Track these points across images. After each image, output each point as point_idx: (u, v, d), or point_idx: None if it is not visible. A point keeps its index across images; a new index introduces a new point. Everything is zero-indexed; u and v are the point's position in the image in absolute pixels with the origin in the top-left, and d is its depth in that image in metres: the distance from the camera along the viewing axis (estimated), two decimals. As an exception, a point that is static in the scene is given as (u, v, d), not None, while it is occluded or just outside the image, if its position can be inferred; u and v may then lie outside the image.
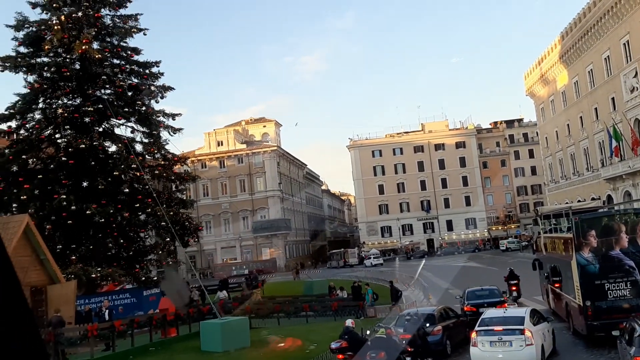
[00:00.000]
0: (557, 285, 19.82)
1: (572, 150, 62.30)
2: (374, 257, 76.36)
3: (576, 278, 16.30)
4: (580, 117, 59.00)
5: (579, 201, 49.69)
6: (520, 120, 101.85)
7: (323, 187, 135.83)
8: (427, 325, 16.16)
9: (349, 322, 14.81)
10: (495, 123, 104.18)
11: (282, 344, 18.65)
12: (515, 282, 27.01)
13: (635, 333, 11.52)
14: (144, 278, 30.46)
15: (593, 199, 48.10)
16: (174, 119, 33.32)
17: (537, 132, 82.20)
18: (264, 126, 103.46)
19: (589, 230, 16.15)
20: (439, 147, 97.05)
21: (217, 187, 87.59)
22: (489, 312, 15.80)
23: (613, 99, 50.90)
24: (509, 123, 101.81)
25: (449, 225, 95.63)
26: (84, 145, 28.71)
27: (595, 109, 54.94)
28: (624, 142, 47.37)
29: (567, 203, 52.09)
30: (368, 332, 14.32)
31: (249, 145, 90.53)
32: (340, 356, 13.60)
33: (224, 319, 21.41)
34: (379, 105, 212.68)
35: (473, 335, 14.34)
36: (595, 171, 55.47)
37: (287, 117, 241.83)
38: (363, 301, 27.13)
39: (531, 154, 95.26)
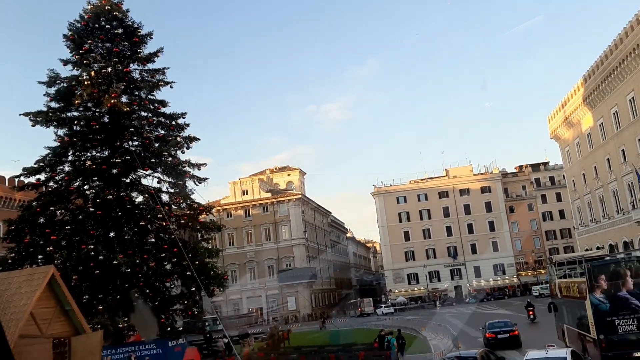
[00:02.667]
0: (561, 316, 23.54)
1: (601, 193, 61.19)
2: (384, 306, 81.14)
3: (590, 316, 18.89)
4: (608, 159, 58.18)
5: (586, 250, 54.76)
6: (546, 164, 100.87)
7: (348, 235, 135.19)
8: None
9: None
10: (521, 167, 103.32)
11: None
12: (531, 308, 39.94)
13: None
14: (169, 328, 30.28)
15: (598, 247, 52.83)
16: (199, 169, 33.78)
17: (563, 175, 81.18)
18: (288, 174, 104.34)
19: (599, 275, 18.95)
20: (463, 192, 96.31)
21: (242, 236, 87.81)
22: (533, 354, 16.26)
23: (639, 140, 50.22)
24: (535, 167, 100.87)
25: (477, 272, 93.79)
26: (111, 196, 29.18)
27: (622, 150, 54.17)
28: (654, 183, 46.42)
29: (586, 250, 55.23)
30: None
31: (273, 193, 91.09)
32: None
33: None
34: (403, 152, 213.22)
35: None
36: (626, 213, 54.23)
37: (310, 165, 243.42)
38: (390, 350, 26.46)
39: (559, 198, 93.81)
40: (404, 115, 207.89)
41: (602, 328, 18.39)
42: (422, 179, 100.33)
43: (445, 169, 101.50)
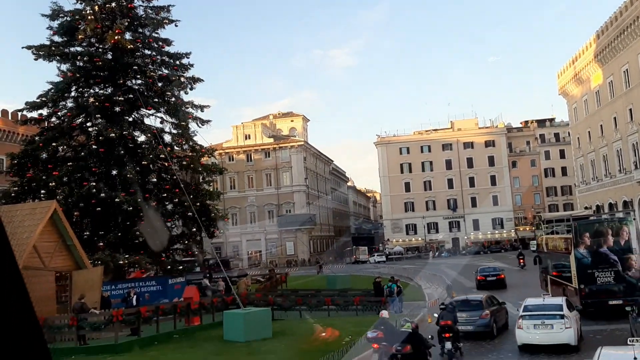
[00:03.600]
0: (555, 274, 25.33)
1: (605, 152, 60.96)
2: (377, 255, 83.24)
3: (573, 269, 21.64)
4: (614, 118, 57.67)
5: (585, 207, 59.36)
6: (552, 120, 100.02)
7: (349, 184, 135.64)
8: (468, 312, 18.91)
9: (385, 314, 15.63)
10: (526, 122, 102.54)
11: (324, 334, 18.62)
12: (522, 257, 45.58)
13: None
14: (169, 266, 30.82)
15: (586, 207, 57.81)
16: (202, 111, 33.59)
17: (569, 132, 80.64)
18: (292, 120, 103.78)
19: (584, 233, 21.72)
20: (467, 145, 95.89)
21: (243, 180, 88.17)
22: (531, 300, 17.98)
23: (649, 99, 49.61)
24: (541, 122, 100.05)
25: (475, 225, 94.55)
26: (114, 134, 29.12)
27: (630, 109, 53.62)
28: (659, 144, 46.15)
29: (585, 207, 59.27)
30: (401, 323, 14.78)
31: (276, 139, 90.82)
32: (376, 345, 14.01)
33: (247, 310, 21.53)
34: (408, 101, 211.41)
35: (519, 319, 16.64)
36: (628, 173, 54.19)
37: (314, 112, 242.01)
38: (385, 297, 26.95)
39: (562, 155, 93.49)
40: (412, 65, 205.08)
41: (583, 279, 21.13)
42: (426, 131, 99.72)
43: (451, 121, 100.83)
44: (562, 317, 16.07)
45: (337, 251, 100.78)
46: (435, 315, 15.71)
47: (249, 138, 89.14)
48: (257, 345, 18.04)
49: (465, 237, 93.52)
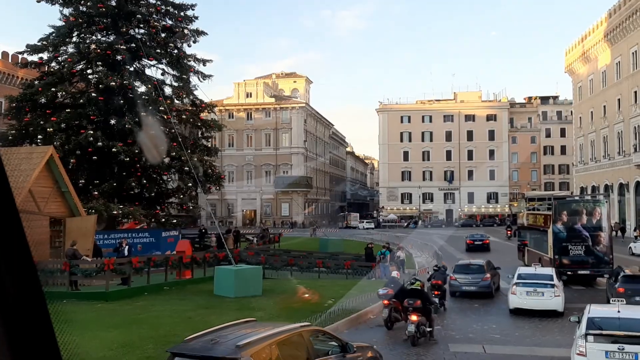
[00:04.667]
0: (525, 243, 30.19)
1: (606, 133, 60.77)
2: (366, 222, 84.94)
3: (550, 241, 24.63)
4: (618, 100, 57.30)
5: (581, 187, 63.37)
6: (555, 98, 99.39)
7: (348, 149, 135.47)
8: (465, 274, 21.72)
9: (395, 273, 18.02)
10: (530, 98, 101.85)
11: (306, 295, 18.82)
12: (509, 228, 46.89)
13: (619, 275, 18.80)
14: (164, 219, 30.96)
15: (581, 188, 63.60)
16: (204, 65, 33.29)
17: (571, 111, 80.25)
18: (294, 81, 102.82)
19: (562, 211, 24.87)
20: (469, 118, 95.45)
21: (242, 138, 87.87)
22: (523, 269, 20.25)
23: (655, 83, 49.20)
24: (544, 99, 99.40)
25: (470, 198, 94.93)
26: (114, 83, 28.88)
27: (635, 92, 53.23)
28: (660, 128, 45.99)
29: (581, 187, 59.14)
30: (408, 283, 16.07)
31: (277, 99, 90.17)
32: (386, 302, 15.50)
33: (238, 266, 21.71)
34: (413, 70, 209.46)
35: (512, 286, 18.33)
36: (627, 156, 54.15)
37: (318, 74, 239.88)
38: (376, 262, 27.23)
39: (562, 133, 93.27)
40: (419, 33, 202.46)
41: (558, 251, 24.19)
42: (429, 100, 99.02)
43: (454, 93, 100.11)
44: (553, 286, 17.77)
45: (332, 215, 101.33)
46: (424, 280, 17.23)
47: (250, 96, 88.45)
48: (246, 301, 18.25)
49: (459, 210, 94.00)
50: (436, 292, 17.34)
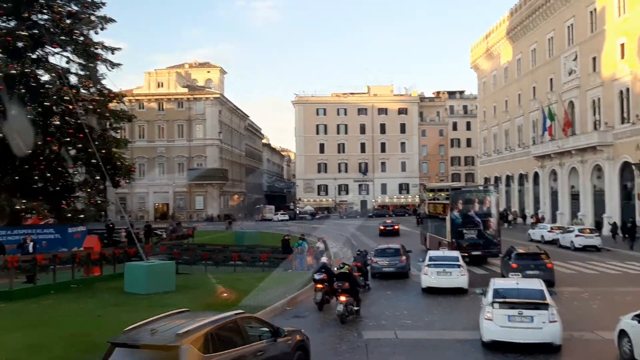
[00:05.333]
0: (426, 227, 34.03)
1: (507, 126, 64.38)
2: (280, 214, 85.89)
3: (448, 227, 27.87)
4: (519, 95, 60.82)
5: (485, 178, 68.78)
6: (462, 92, 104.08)
7: (264, 141, 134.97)
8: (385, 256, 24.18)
9: (325, 259, 20.13)
10: (438, 93, 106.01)
11: (225, 294, 18.56)
12: (419, 217, 44.38)
13: (512, 254, 21.80)
14: (69, 214, 29.55)
15: (485, 178, 68.38)
16: (113, 53, 31.85)
17: (476, 106, 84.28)
18: (208, 72, 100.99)
19: (458, 200, 28.18)
20: (382, 111, 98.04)
21: (153, 129, 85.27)
22: (433, 252, 22.41)
23: (552, 79, 52.61)
24: (451, 94, 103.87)
25: (383, 189, 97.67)
26: (15, 71, 27.18)
27: (534, 87, 56.71)
28: (556, 122, 49.30)
29: (485, 178, 56.79)
30: (335, 268, 17.53)
31: (190, 89, 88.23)
32: (320, 285, 17.18)
33: (150, 262, 21.18)
34: (328, 63, 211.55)
35: (424, 267, 20.35)
36: (526, 148, 57.65)
37: (233, 65, 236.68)
38: (292, 254, 27.40)
39: (468, 127, 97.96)
40: (334, 27, 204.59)
41: (455, 235, 27.36)
42: (343, 94, 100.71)
43: (367, 86, 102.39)
44: (459, 266, 20.21)
45: (248, 208, 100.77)
46: (336, 269, 17.90)
47: (162, 86, 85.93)
48: (159, 298, 17.84)
49: (373, 200, 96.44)
50: (357, 274, 18.56)
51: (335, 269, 17.32)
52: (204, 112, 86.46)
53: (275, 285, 18.48)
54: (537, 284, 13.46)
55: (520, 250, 22.20)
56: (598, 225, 41.37)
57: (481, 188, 32.31)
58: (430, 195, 35.48)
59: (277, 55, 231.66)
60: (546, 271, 20.23)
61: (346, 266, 16.91)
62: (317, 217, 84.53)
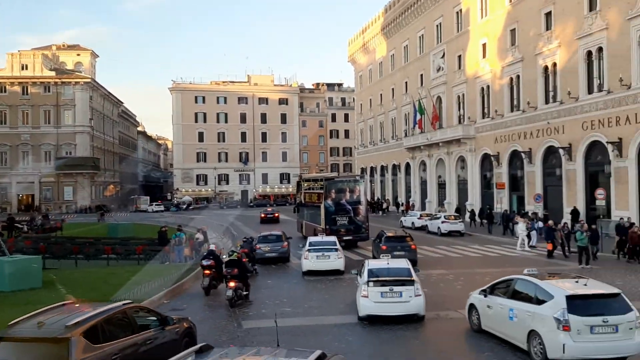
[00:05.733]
0: (302, 215, 36.44)
1: (382, 119, 67.27)
2: (155, 204, 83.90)
3: (322, 214, 30.01)
4: (393, 89, 63.74)
5: (361, 168, 72.26)
6: (340, 85, 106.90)
7: (139, 129, 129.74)
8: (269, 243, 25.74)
9: (213, 246, 20.85)
10: (318, 84, 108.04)
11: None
12: (296, 206, 42.84)
13: (382, 237, 24.00)
14: None
15: (362, 169, 72.00)
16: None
17: (353, 98, 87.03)
18: (78, 54, 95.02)
19: (331, 189, 30.47)
20: (262, 100, 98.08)
21: (16, 115, 78.64)
22: (313, 238, 24.12)
23: (422, 75, 55.75)
24: (330, 86, 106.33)
25: (264, 179, 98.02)
26: None
27: (406, 82, 59.73)
28: (426, 116, 52.38)
29: (362, 168, 59.15)
30: (224, 256, 18.63)
31: (58, 73, 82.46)
32: (207, 272, 18.00)
33: (12, 257, 19.81)
34: (207, 50, 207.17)
35: (305, 252, 21.94)
36: (399, 140, 60.69)
37: (106, 49, 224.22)
38: (170, 246, 26.82)
39: (346, 118, 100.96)
40: (214, 13, 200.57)
41: (328, 222, 29.50)
42: (223, 82, 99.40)
43: (248, 75, 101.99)
44: (336, 250, 22.05)
45: (123, 199, 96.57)
46: (225, 256, 18.82)
47: (26, 69, 79.45)
48: (24, 295, 16.80)
49: (254, 190, 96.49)
50: (244, 259, 19.27)
51: (225, 256, 18.14)
52: (73, 97, 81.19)
53: (150, 278, 18.06)
54: (404, 264, 15.14)
55: (389, 234, 24.64)
56: (458, 211, 44.83)
57: (351, 178, 34.74)
58: (306, 185, 37.15)
59: (154, 40, 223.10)
60: (411, 252, 22.72)
61: (235, 253, 17.67)
62: (191, 207, 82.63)
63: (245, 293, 16.75)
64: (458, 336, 12.97)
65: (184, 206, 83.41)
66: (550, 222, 27.80)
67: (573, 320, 9.97)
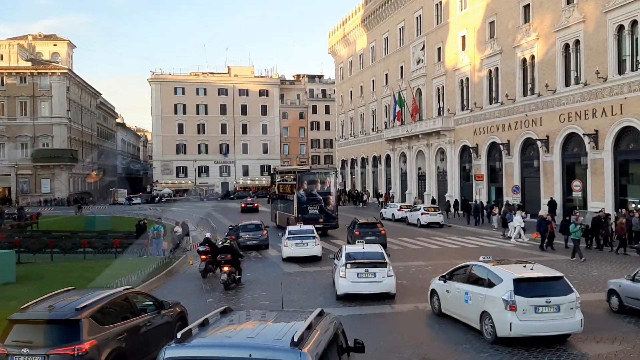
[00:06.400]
0: (275, 205, 39.02)
1: (363, 111, 67.28)
2: (133, 197, 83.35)
3: (295, 204, 32.21)
4: (373, 81, 63.74)
5: (342, 160, 75.24)
6: (321, 77, 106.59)
7: (118, 120, 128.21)
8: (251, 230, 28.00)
9: (208, 234, 22.07)
10: (299, 76, 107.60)
11: None
12: (270, 197, 44.91)
13: (355, 224, 27.28)
14: None
15: (342, 160, 73.94)
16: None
17: (334, 90, 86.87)
18: (55, 44, 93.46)
19: (303, 181, 32.69)
20: (243, 92, 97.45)
21: (-9, 106, 77.19)
22: (292, 227, 25.34)
23: (402, 67, 55.80)
24: (311, 78, 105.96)
25: (245, 171, 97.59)
26: None
27: (386, 74, 59.75)
28: (405, 108, 52.49)
29: (342, 160, 59.39)
30: (219, 242, 20.12)
31: (34, 63, 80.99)
32: (204, 257, 19.62)
33: (-15, 252, 19.45)
34: (187, 41, 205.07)
35: (285, 240, 23.60)
36: (379, 132, 60.76)
37: (84, 38, 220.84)
38: (148, 239, 26.56)
39: (327, 110, 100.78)
40: (193, 3, 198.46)
41: (300, 211, 31.66)
42: (203, 73, 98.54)
43: (228, 67, 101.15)
44: (314, 237, 23.85)
45: (102, 191, 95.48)
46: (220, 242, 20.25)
47: (2, 59, 77.92)
48: (-3, 290, 16.53)
49: (235, 182, 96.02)
50: (232, 243, 20.28)
51: (220, 242, 19.82)
52: (50, 88, 79.87)
53: (127, 272, 17.86)
54: (378, 248, 16.88)
55: (362, 221, 27.56)
56: (434, 202, 45.09)
57: (323, 171, 37.33)
58: (279, 177, 39.20)
59: (134, 30, 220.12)
60: (381, 236, 25.66)
61: (228, 240, 19.37)
62: (167, 199, 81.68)
63: (238, 277, 18.22)
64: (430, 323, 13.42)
65: (158, 199, 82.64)
66: (544, 213, 27.90)
67: (519, 301, 10.83)
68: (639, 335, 11.83)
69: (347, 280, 15.32)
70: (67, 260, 23.84)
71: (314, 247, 23.36)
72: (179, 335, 5.77)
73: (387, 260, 15.90)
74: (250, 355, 5.41)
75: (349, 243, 24.57)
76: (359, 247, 16.98)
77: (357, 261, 15.57)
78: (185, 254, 24.85)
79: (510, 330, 10.86)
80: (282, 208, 36.54)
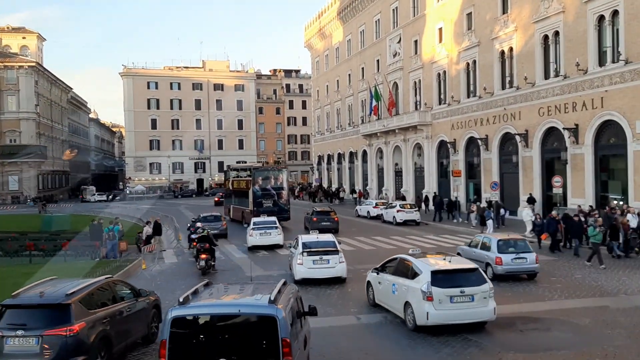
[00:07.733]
0: (229, 200, 41.80)
1: (339, 106, 65.75)
2: (97, 194, 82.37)
3: (251, 198, 34.95)
4: (349, 75, 62.23)
5: (319, 155, 74.19)
6: (297, 71, 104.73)
7: (91, 115, 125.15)
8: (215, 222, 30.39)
9: (201, 229, 22.58)
10: (275, 71, 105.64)
11: None
12: (224, 193, 49.48)
13: (313, 212, 32.56)
14: None
15: (319, 156, 73.42)
16: None
17: (311, 85, 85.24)
18: (24, 37, 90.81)
19: (258, 177, 35.54)
20: (218, 87, 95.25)
21: (-46, 100, 74.22)
22: (257, 219, 27.37)
23: (378, 61, 54.36)
24: (287, 72, 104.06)
25: (221, 167, 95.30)
26: None
27: (363, 68, 58.27)
28: (382, 102, 51.08)
29: (319, 155, 60.36)
30: (200, 230, 21.99)
31: (1, 56, 78.26)
32: (204, 255, 19.94)
33: None
34: (160, 34, 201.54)
35: (250, 231, 25.78)
36: (356, 127, 59.31)
37: (54, 32, 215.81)
38: (102, 240, 24.67)
39: (304, 105, 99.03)
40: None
41: (256, 205, 34.20)
42: (177, 67, 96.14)
43: (202, 61, 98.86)
44: (277, 227, 26.05)
45: (73, 189, 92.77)
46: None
47: (-35, 52, 75.03)
48: None
49: (210, 179, 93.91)
50: (209, 232, 22.16)
51: (199, 231, 21.77)
52: (17, 82, 77.39)
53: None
54: (331, 237, 18.79)
55: (318, 209, 33.09)
56: (404, 199, 43.90)
57: (276, 168, 40.98)
58: (234, 173, 41.82)
59: (107, 24, 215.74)
60: (334, 222, 31.26)
61: (205, 230, 21.69)
62: (138, 197, 79.62)
63: (213, 263, 20.28)
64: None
65: (122, 196, 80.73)
66: (554, 212, 24.90)
67: (435, 291, 11.69)
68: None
69: (304, 267, 17.07)
70: (10, 264, 21.91)
71: (276, 237, 25.70)
72: (181, 299, 7.45)
73: (338, 248, 17.82)
74: (239, 310, 7.31)
75: (306, 229, 28.95)
76: (313, 237, 18.76)
77: (312, 249, 17.25)
78: (140, 257, 22.89)
79: (427, 319, 11.65)
80: (236, 202, 39.00)
